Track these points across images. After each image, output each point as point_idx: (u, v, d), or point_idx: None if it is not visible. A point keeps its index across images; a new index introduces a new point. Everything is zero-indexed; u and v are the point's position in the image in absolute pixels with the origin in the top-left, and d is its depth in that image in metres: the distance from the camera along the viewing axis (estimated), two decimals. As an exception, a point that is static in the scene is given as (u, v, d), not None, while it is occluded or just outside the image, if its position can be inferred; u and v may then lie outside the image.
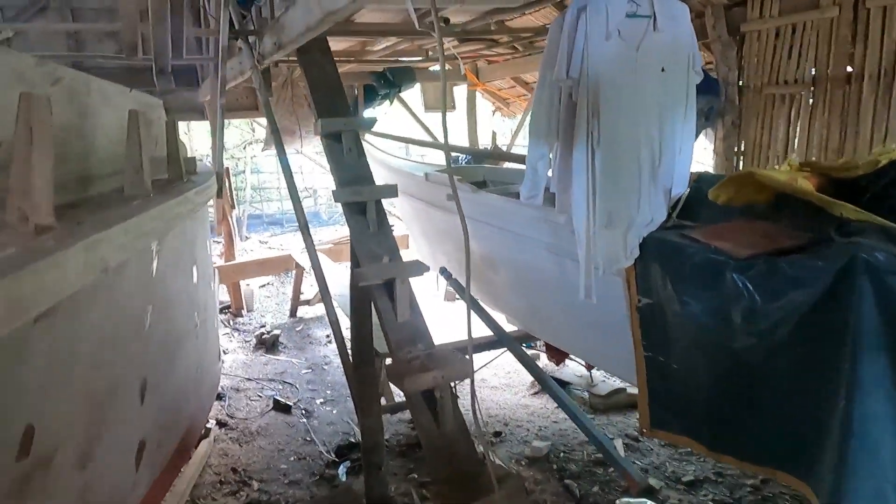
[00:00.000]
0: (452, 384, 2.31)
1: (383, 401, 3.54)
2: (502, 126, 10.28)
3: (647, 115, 2.38)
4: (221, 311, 6.58)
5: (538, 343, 4.60)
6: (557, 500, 3.19)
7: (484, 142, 8.01)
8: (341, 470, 3.58)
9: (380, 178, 4.02)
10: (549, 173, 2.63)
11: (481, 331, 3.46)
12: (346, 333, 3.14)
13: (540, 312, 3.42)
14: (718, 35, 4.22)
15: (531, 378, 4.21)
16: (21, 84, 1.68)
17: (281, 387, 4.87)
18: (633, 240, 2.36)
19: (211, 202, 6.47)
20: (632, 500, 3.01)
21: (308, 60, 3.02)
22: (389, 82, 6.65)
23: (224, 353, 5.60)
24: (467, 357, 2.19)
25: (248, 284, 7.07)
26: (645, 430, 2.50)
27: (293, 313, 6.71)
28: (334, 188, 2.80)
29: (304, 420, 4.27)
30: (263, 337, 5.85)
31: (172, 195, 2.45)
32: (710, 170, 4.49)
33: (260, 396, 4.70)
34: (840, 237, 1.86)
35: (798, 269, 1.78)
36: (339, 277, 5.08)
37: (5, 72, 1.71)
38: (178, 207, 2.48)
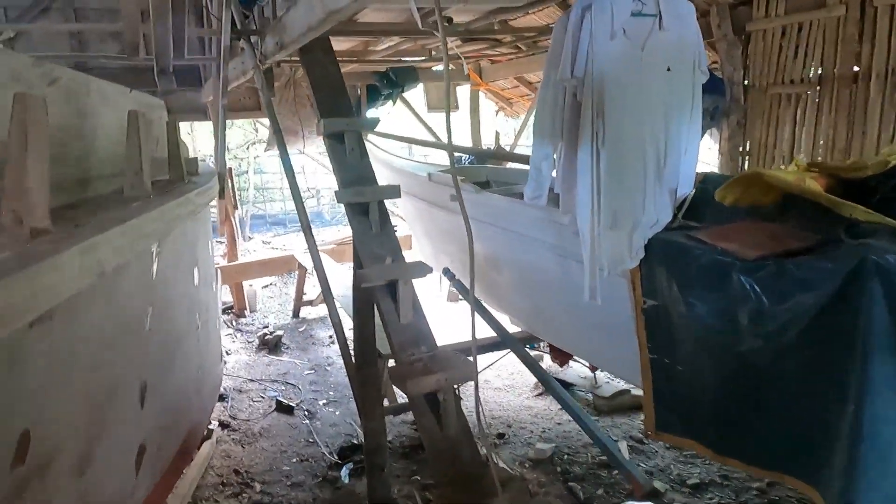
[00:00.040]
0: (456, 386, 2.29)
1: (386, 402, 3.53)
2: (505, 126, 10.26)
3: (653, 115, 2.35)
4: (224, 311, 6.58)
5: (542, 344, 4.58)
6: (561, 502, 3.17)
7: (487, 142, 7.99)
8: (344, 472, 3.56)
9: (382, 178, 4.00)
10: (554, 174, 2.60)
11: (485, 332, 3.44)
12: (349, 334, 3.13)
13: (544, 313, 3.40)
14: (724, 34, 4.20)
15: (535, 379, 4.19)
16: (17, 84, 1.65)
17: (283, 388, 4.86)
18: (639, 241, 2.34)
19: (214, 202, 6.47)
20: (636, 503, 2.99)
21: (310, 60, 3.01)
22: (392, 82, 6.64)
23: (227, 353, 5.59)
24: (471, 359, 2.18)
25: (250, 285, 7.06)
26: (650, 433, 2.48)
27: (296, 314, 6.70)
28: (337, 188, 2.78)
29: (307, 421, 4.25)
30: (266, 337, 5.84)
31: (173, 196, 2.42)
32: (715, 170, 4.46)
33: (262, 397, 4.68)
34: (849, 239, 1.83)
35: (807, 270, 1.76)
36: (342, 278, 5.08)
37: (0, 72, 1.68)
38: (179, 209, 2.46)
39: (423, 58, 6.35)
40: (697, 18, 2.45)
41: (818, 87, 3.83)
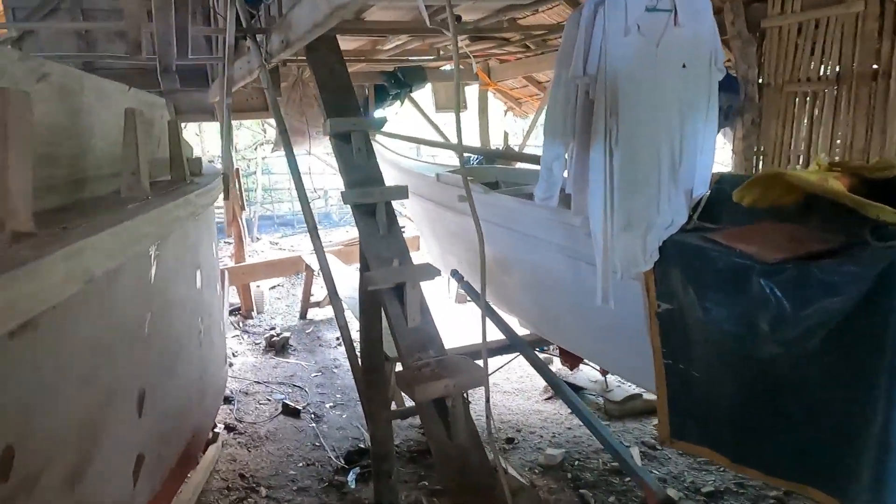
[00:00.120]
0: (464, 392, 2.23)
1: (394, 405, 3.48)
2: (514, 126, 10.19)
3: (668, 113, 2.28)
4: (231, 312, 6.56)
5: (551, 347, 4.51)
6: (572, 510, 3.11)
7: (496, 142, 7.93)
8: (351, 477, 3.51)
9: (390, 178, 3.95)
10: (565, 174, 2.54)
11: (493, 334, 3.38)
12: (356, 336, 3.08)
13: (554, 316, 3.33)
14: (738, 31, 4.11)
15: (544, 383, 4.12)
16: (0, 80, 1.57)
17: (290, 390, 4.82)
18: (653, 243, 2.26)
19: (220, 203, 6.44)
20: (650, 511, 2.91)
21: (317, 59, 2.96)
22: (400, 82, 6.60)
23: (233, 355, 5.56)
24: (480, 363, 2.12)
25: (258, 286, 7.04)
26: (664, 441, 2.41)
27: (303, 315, 6.67)
28: (343, 189, 2.73)
29: (314, 424, 4.21)
30: (273, 339, 5.81)
31: (172, 197, 2.35)
32: (729, 170, 4.38)
33: (269, 400, 4.65)
34: (876, 241, 1.76)
35: (831, 274, 1.68)
36: (350, 280, 5.03)
37: None
38: (178, 210, 2.39)
39: (431, 57, 6.30)
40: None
41: (836, 86, 3.74)
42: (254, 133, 13.05)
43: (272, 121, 9.01)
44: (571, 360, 3.89)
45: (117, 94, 2.53)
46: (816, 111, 3.87)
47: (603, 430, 2.81)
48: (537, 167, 2.71)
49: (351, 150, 2.78)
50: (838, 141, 3.77)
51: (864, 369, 1.62)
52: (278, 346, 5.72)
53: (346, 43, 5.51)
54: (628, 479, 3.22)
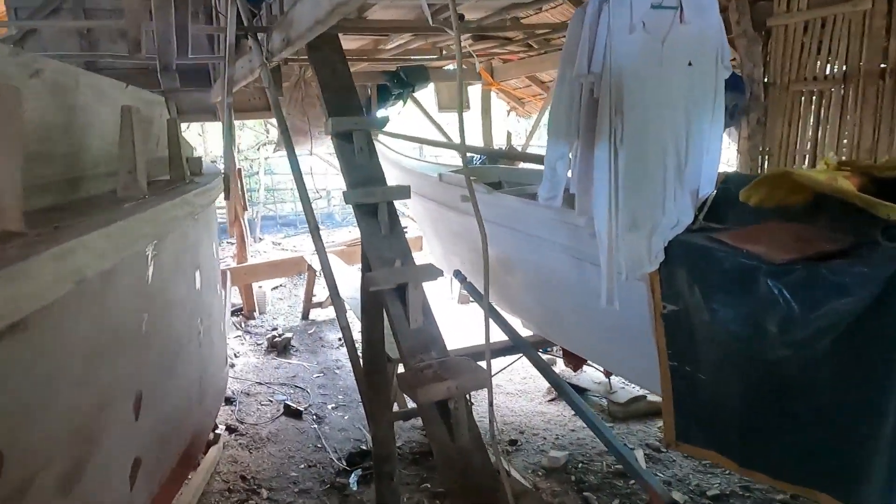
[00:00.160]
0: (467, 394, 2.20)
1: (396, 407, 3.45)
2: (517, 126, 10.16)
3: (674, 112, 2.25)
4: (233, 313, 6.54)
5: (555, 348, 4.48)
6: (576, 513, 3.08)
7: (499, 142, 7.90)
8: (352, 479, 3.49)
9: (392, 178, 3.93)
10: (569, 173, 2.51)
11: (497, 336, 3.35)
12: (358, 336, 3.05)
13: (557, 317, 3.30)
14: (743, 30, 4.07)
15: (547, 384, 4.09)
16: None
17: (292, 391, 4.80)
18: (658, 243, 2.23)
19: (223, 203, 6.43)
20: (654, 514, 2.88)
21: (319, 58, 2.94)
22: (403, 82, 6.57)
23: (235, 356, 5.54)
24: (483, 365, 2.09)
25: (260, 286, 7.02)
26: (670, 443, 2.38)
27: (305, 316, 6.65)
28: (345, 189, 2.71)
29: (316, 426, 4.19)
30: (275, 340, 5.79)
31: (169, 197, 2.31)
32: (734, 170, 4.34)
33: (271, 401, 4.63)
34: (887, 241, 1.72)
35: (842, 275, 1.65)
36: (352, 280, 5.01)
37: None
38: (176, 210, 2.35)
39: (433, 57, 6.28)
40: (715, 13, 2.34)
41: (843, 85, 3.70)
42: (257, 133, 13.05)
43: (275, 121, 9.00)
44: (575, 362, 3.86)
45: (114, 92, 2.49)
46: (823, 110, 3.83)
47: (607, 432, 2.78)
48: (541, 167, 2.68)
49: (353, 149, 2.76)
50: (845, 141, 3.73)
51: (876, 371, 1.59)
52: (280, 347, 5.70)
53: (349, 42, 5.49)
54: (632, 481, 3.19)
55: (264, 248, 10.27)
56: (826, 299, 1.67)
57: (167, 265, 2.54)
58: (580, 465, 3.50)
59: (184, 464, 3.13)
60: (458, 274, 3.96)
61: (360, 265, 3.52)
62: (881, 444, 1.57)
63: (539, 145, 8.37)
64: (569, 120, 2.36)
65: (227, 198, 3.67)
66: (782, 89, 4.02)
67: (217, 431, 4.00)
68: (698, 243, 2.14)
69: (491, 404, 2.02)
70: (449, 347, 2.30)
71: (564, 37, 2.38)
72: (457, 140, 1.89)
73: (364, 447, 3.81)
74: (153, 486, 2.49)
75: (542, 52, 6.21)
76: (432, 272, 2.39)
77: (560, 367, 4.45)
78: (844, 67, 3.68)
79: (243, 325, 6.44)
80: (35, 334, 1.41)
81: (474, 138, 7.90)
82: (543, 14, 5.40)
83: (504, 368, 4.25)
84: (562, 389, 3.05)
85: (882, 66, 3.52)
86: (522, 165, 5.31)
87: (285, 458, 3.78)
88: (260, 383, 4.96)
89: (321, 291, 6.84)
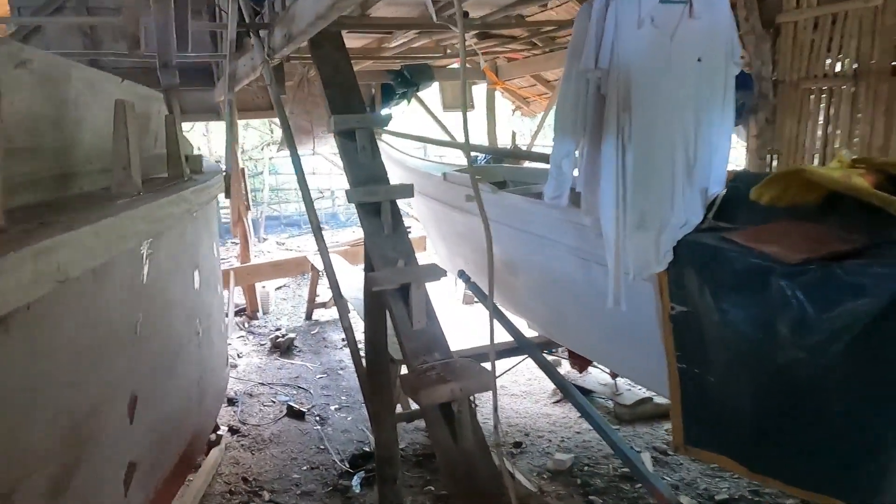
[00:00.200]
0: (471, 397, 2.16)
1: (399, 408, 3.41)
2: (522, 126, 10.12)
3: (683, 109, 2.20)
4: (237, 313, 6.52)
5: (560, 349, 4.43)
6: (582, 517, 3.03)
7: (503, 142, 7.86)
8: (355, 481, 3.45)
9: (396, 178, 3.89)
10: (575, 172, 2.47)
11: (501, 336, 3.31)
12: (361, 337, 3.02)
13: (563, 318, 3.26)
14: (752, 27, 4.02)
15: (553, 386, 4.05)
16: None
17: (295, 392, 4.77)
18: (667, 243, 2.19)
19: (227, 203, 6.40)
20: (662, 519, 2.83)
21: (321, 56, 2.91)
22: (407, 81, 6.54)
23: (238, 356, 5.52)
24: (487, 367, 2.05)
25: (263, 286, 7.00)
26: (678, 447, 2.33)
27: (308, 316, 6.63)
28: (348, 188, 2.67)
29: (318, 427, 4.15)
30: (278, 340, 5.77)
31: (165, 194, 2.25)
32: (742, 168, 4.28)
33: (273, 402, 4.59)
34: (904, 241, 1.68)
35: (858, 275, 1.60)
36: (356, 280, 4.97)
37: None
38: (171, 207, 2.29)
39: (438, 55, 6.25)
40: (725, 10, 2.29)
41: (853, 82, 3.64)
42: (261, 133, 13.06)
43: (278, 120, 8.98)
44: (580, 363, 3.82)
45: (109, 86, 2.42)
46: (833, 108, 3.77)
47: (613, 434, 2.73)
48: (546, 166, 2.64)
49: (356, 148, 2.73)
50: (856, 139, 3.67)
51: (893, 374, 1.54)
52: (283, 348, 5.67)
53: (352, 40, 5.46)
54: (639, 485, 3.14)
55: (268, 249, 10.26)
56: (842, 300, 1.62)
57: (164, 264, 2.49)
58: (586, 468, 3.46)
59: (183, 465, 3.09)
60: (462, 274, 3.92)
61: (363, 265, 3.49)
62: (899, 450, 1.52)
63: (544, 145, 8.33)
64: (575, 117, 2.31)
65: (226, 196, 3.64)
66: (791, 87, 3.97)
67: (219, 433, 3.97)
68: (708, 243, 2.09)
69: (496, 408, 1.98)
70: (453, 348, 2.26)
71: (570, 35, 2.34)
72: (461, 139, 1.85)
73: (367, 449, 3.77)
74: (149, 491, 2.45)
75: (548, 51, 6.17)
76: (436, 272, 2.36)
77: (565, 368, 4.40)
78: (855, 65, 3.62)
79: (246, 325, 6.41)
80: (16, 334, 1.36)
81: (479, 138, 7.86)
82: (548, 11, 5.36)
83: (509, 370, 4.21)
84: (567, 391, 3.00)
85: (893, 63, 3.46)
86: (528, 164, 5.27)
87: (288, 459, 3.75)
88: (263, 384, 4.93)
89: (325, 292, 6.81)
